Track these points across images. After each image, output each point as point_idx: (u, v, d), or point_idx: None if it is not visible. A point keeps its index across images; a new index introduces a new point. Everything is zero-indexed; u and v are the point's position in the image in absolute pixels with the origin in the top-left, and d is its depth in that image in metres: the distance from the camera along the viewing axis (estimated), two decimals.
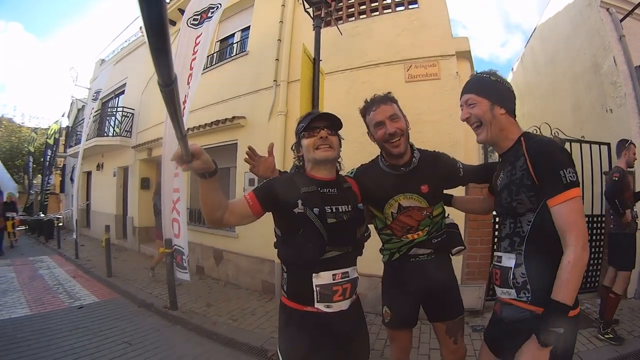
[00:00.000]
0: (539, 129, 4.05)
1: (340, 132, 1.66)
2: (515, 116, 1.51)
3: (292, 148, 1.71)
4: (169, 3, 8.76)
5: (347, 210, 1.56)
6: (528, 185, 1.33)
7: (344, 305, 1.53)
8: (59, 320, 4.33)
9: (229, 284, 5.93)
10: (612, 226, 3.63)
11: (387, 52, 5.05)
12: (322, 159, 1.56)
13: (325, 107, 4.15)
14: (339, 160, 1.67)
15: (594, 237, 4.58)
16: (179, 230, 4.52)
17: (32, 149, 16.92)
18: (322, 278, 1.48)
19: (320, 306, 1.49)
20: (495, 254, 1.53)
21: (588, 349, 3.23)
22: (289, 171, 1.89)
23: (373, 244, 1.85)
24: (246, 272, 5.78)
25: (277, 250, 1.61)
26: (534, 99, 8.20)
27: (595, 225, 4.59)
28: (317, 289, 1.48)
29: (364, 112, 1.86)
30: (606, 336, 3.31)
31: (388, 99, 1.81)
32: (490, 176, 1.67)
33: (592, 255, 4.56)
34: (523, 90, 9.03)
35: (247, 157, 1.94)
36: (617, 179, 3.36)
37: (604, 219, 4.54)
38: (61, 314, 4.59)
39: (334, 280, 1.49)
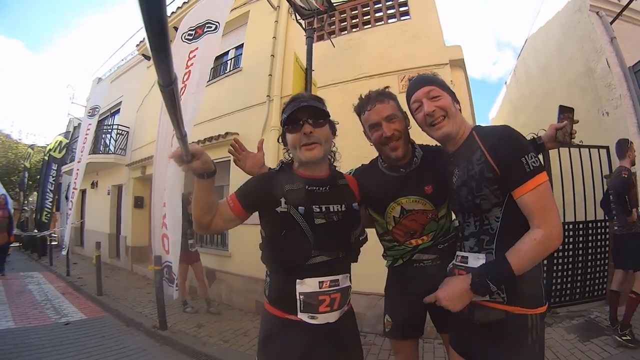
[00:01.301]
0: (537, 135, 3.97)
1: (336, 123, 1.52)
2: None
3: (278, 140, 1.56)
4: None
5: (339, 210, 1.40)
6: (490, 178, 1.23)
7: (331, 317, 1.36)
8: (44, 335, 4.19)
9: (222, 305, 5.69)
10: (617, 227, 3.53)
11: (381, 64, 5.07)
12: (308, 160, 1.40)
13: None
14: (333, 149, 1.53)
15: (598, 243, 4.45)
16: (169, 246, 4.38)
17: (28, 165, 16.78)
18: (307, 285, 1.32)
19: (303, 316, 1.32)
20: (458, 253, 1.40)
21: (603, 357, 3.08)
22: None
23: (371, 258, 1.69)
24: (239, 292, 5.58)
25: (261, 252, 1.46)
26: (529, 110, 8.19)
27: (599, 230, 4.47)
28: (301, 297, 1.32)
29: (358, 110, 1.68)
30: (624, 338, 3.17)
31: (385, 96, 1.62)
32: None
33: (598, 262, 4.43)
34: (517, 102, 9.07)
35: (231, 148, 1.83)
36: (626, 176, 3.31)
37: (607, 224, 4.42)
38: (46, 329, 4.45)
39: (320, 288, 1.33)
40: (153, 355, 3.76)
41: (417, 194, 1.61)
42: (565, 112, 1.58)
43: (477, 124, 1.46)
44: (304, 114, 1.39)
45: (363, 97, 1.67)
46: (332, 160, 1.56)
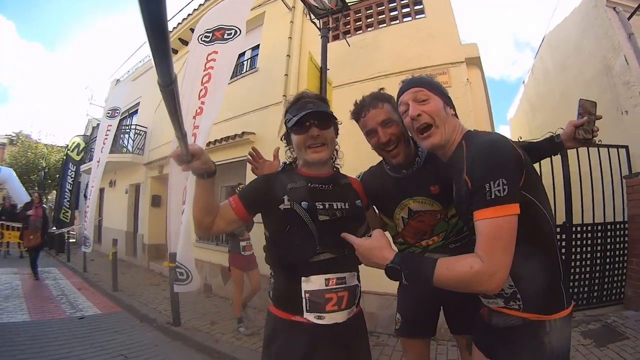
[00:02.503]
0: (555, 133, 3.89)
1: (339, 124, 1.51)
2: None
3: (281, 138, 1.56)
4: (180, 23, 8.99)
5: (342, 207, 1.39)
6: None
7: (339, 317, 1.31)
8: (57, 328, 4.28)
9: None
10: None
11: (396, 63, 5.04)
12: (315, 161, 1.40)
13: None
14: (336, 147, 1.52)
15: (616, 246, 4.31)
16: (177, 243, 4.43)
17: (44, 164, 17.23)
18: (312, 283, 1.29)
19: (309, 316, 1.28)
20: None
21: None
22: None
23: None
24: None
25: (265, 255, 1.46)
26: (546, 110, 8.05)
27: (617, 232, 4.32)
28: (307, 295, 1.28)
29: (355, 117, 1.62)
30: None
31: (379, 99, 1.55)
32: None
33: (616, 265, 4.29)
34: (535, 101, 8.93)
35: (249, 157, 1.85)
36: None
37: (626, 225, 4.29)
38: (60, 322, 4.56)
39: (326, 286, 1.29)
40: (165, 350, 3.81)
41: (423, 195, 1.56)
42: (586, 106, 1.45)
43: (469, 130, 1.31)
44: (311, 116, 1.38)
45: (357, 102, 1.62)
46: (334, 159, 1.56)
